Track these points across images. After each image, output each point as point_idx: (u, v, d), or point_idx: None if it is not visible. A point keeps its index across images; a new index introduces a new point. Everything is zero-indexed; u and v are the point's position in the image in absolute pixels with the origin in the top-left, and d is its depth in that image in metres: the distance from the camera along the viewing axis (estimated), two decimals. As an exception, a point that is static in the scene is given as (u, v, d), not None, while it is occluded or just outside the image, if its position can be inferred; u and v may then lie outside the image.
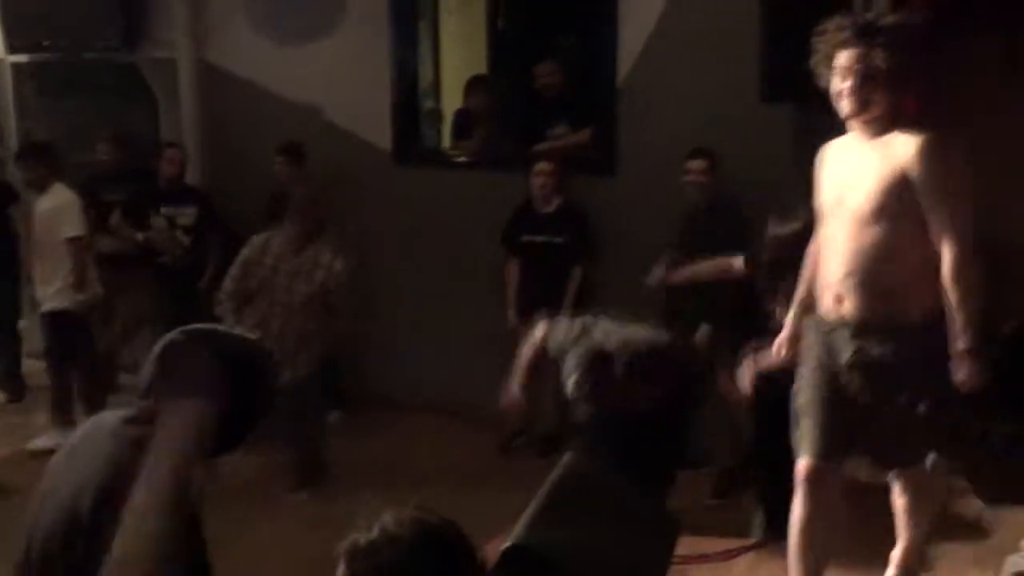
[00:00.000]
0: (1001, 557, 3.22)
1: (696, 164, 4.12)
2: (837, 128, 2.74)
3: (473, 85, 5.23)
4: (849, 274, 2.50)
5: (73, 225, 4.52)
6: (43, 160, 4.72)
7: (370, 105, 5.01)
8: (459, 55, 5.46)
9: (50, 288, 4.53)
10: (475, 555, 1.58)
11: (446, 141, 5.47)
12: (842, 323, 2.55)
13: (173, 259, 4.92)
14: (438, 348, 4.98)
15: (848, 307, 2.53)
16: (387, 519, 1.53)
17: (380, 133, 5.03)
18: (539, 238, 4.52)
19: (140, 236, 4.87)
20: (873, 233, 2.47)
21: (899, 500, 2.87)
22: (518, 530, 2.00)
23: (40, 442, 4.37)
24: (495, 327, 4.55)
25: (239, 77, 5.31)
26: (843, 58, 2.45)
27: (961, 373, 2.42)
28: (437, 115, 5.44)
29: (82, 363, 4.64)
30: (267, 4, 5.11)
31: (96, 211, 4.90)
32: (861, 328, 2.53)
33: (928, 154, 2.39)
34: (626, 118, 4.41)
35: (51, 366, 4.69)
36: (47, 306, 4.55)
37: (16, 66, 5.69)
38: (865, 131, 2.49)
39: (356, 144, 5.07)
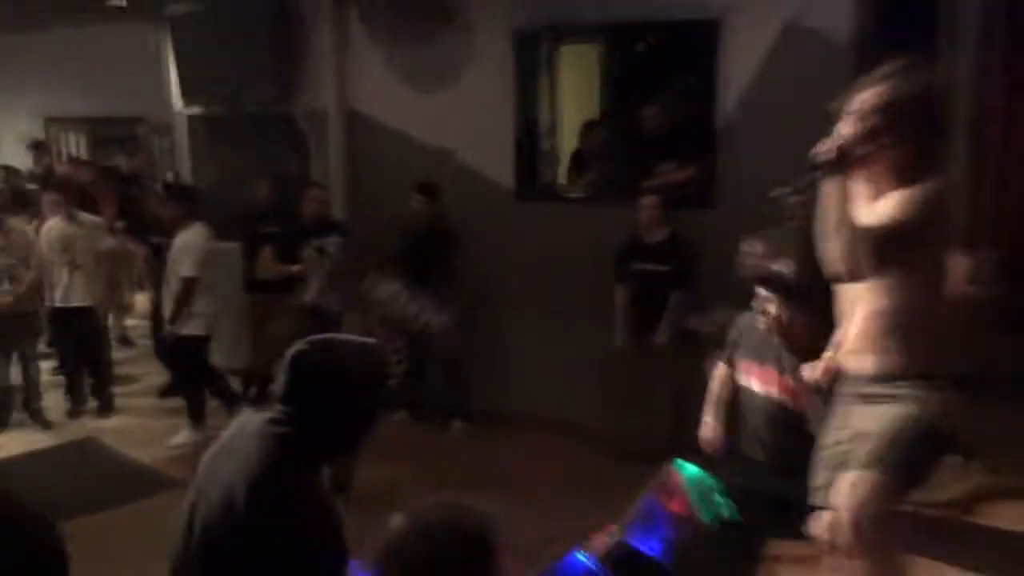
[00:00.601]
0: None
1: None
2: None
3: (587, 128, 5.49)
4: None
5: (188, 266, 4.82)
6: (182, 201, 5.09)
7: (495, 147, 5.34)
8: (574, 101, 5.63)
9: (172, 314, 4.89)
10: (493, 550, 1.56)
11: (562, 178, 5.65)
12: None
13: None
14: (551, 368, 5.23)
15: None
16: (416, 513, 1.56)
17: (504, 172, 5.35)
18: (646, 266, 4.69)
19: (295, 268, 4.99)
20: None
21: None
22: (624, 529, 2.18)
23: (178, 439, 4.90)
24: (603, 350, 4.83)
25: (380, 123, 5.74)
26: None
27: None
28: (554, 156, 5.63)
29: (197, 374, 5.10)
30: (404, 58, 5.53)
31: (252, 243, 5.35)
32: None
33: None
34: (725, 156, 4.61)
35: (182, 379, 5.23)
36: (174, 330, 4.89)
37: (191, 118, 6.36)
38: None
39: (483, 182, 5.40)
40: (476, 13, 5.28)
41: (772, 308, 3.05)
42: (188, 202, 5.09)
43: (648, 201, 4.72)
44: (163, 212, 5.24)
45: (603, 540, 2.12)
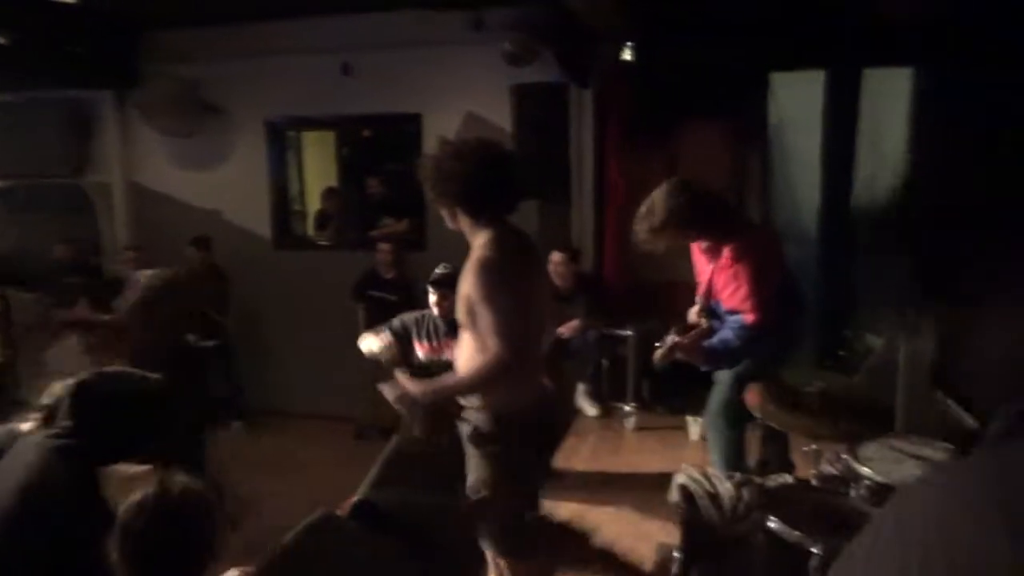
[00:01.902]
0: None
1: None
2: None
3: (328, 193, 6.72)
4: None
5: None
6: None
7: (256, 209, 6.45)
8: (318, 172, 6.82)
9: None
10: (215, 519, 1.73)
11: (310, 231, 6.74)
12: None
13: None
14: (310, 372, 6.37)
15: None
16: (141, 496, 1.69)
17: (263, 227, 6.47)
18: (382, 295, 5.88)
19: (107, 317, 5.30)
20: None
21: None
22: (362, 490, 2.64)
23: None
24: (349, 358, 5.94)
25: (159, 193, 6.66)
26: None
27: None
28: (303, 214, 6.79)
29: None
30: (178, 142, 6.48)
31: (60, 297, 5.89)
32: None
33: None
34: (432, 212, 5.24)
35: None
36: None
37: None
38: None
39: (247, 236, 6.46)
40: (235, 108, 6.43)
41: (434, 298, 3.80)
42: None
43: (384, 247, 5.99)
44: None
45: (349, 500, 2.47)
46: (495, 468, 2.57)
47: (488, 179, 2.50)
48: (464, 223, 2.56)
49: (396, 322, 3.98)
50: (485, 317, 2.41)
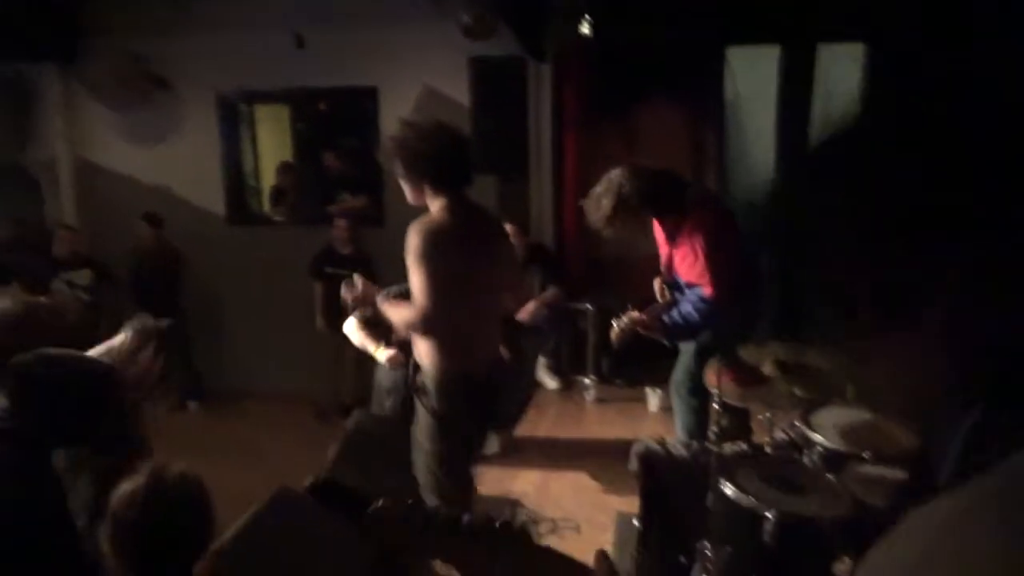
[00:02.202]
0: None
1: None
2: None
3: (283, 168, 6.61)
4: None
5: None
6: None
7: (209, 185, 6.34)
8: (272, 147, 6.66)
9: None
10: (206, 506, 1.74)
11: (265, 207, 6.64)
12: None
13: (76, 316, 5.78)
14: (267, 351, 6.32)
15: None
16: (133, 485, 1.69)
17: (217, 204, 6.36)
18: (339, 271, 5.54)
19: (44, 300, 5.54)
20: None
21: None
22: (325, 468, 2.76)
23: None
24: (307, 337, 5.99)
25: (108, 169, 6.47)
26: None
27: None
28: (258, 189, 6.66)
29: None
30: (126, 116, 6.31)
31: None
32: None
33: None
34: (389, 188, 5.30)
35: None
36: None
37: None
38: None
39: (200, 212, 6.36)
40: (185, 82, 6.27)
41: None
42: None
43: (341, 223, 5.92)
44: None
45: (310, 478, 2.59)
46: (432, 420, 2.83)
47: (450, 156, 2.75)
48: (427, 197, 2.77)
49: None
50: (413, 277, 2.66)
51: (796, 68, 5.75)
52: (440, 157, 2.72)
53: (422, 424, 2.87)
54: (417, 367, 2.89)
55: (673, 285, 3.62)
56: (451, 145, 2.76)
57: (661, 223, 3.56)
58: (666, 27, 5.39)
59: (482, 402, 2.91)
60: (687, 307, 3.40)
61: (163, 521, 1.64)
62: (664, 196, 3.44)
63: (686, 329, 3.42)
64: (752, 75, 6.01)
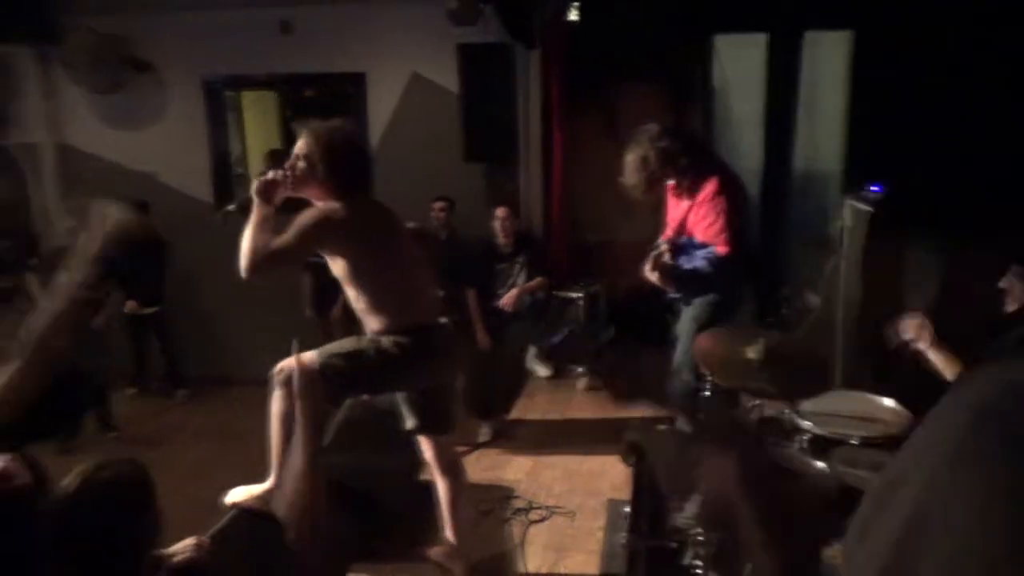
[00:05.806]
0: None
1: (438, 205, 5.62)
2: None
3: (271, 155, 6.27)
4: None
5: None
6: None
7: (196, 172, 6.31)
8: (260, 134, 6.63)
9: None
10: (149, 499, 1.69)
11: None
12: None
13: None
14: (254, 338, 6.06)
15: None
16: (71, 478, 1.63)
17: (204, 191, 6.34)
18: (322, 260, 6.08)
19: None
20: None
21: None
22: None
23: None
24: (293, 324, 5.90)
25: (90, 154, 6.40)
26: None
27: None
28: (245, 177, 6.56)
29: None
30: (107, 100, 6.27)
31: None
32: None
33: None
34: (380, 175, 5.48)
35: None
36: None
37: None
38: None
39: (185, 198, 6.31)
40: (167, 66, 6.19)
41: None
42: None
43: None
44: None
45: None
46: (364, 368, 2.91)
47: (355, 161, 2.89)
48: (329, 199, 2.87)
49: None
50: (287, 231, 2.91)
51: (783, 55, 5.76)
52: (345, 166, 2.83)
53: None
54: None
55: (678, 248, 3.67)
56: (353, 153, 2.88)
57: (679, 181, 3.62)
58: (653, 13, 5.38)
59: (424, 362, 2.94)
60: (700, 262, 3.51)
61: (94, 523, 1.58)
62: (692, 153, 3.56)
63: (694, 283, 3.54)
64: (739, 62, 6.02)
